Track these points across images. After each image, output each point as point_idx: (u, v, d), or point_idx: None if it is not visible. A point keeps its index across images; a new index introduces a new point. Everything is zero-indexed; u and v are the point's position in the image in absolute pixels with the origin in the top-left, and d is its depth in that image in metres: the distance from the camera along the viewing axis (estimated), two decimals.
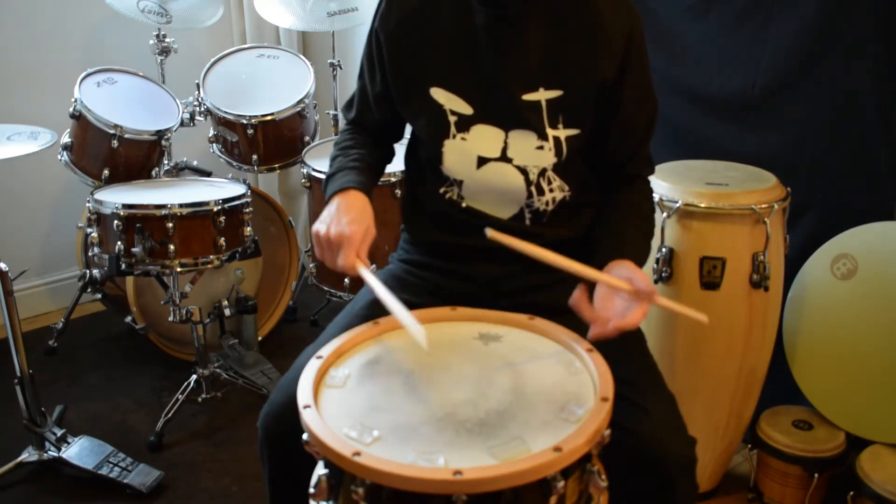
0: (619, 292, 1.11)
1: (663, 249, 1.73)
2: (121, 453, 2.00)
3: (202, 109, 2.52)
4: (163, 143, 2.35)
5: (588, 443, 0.91)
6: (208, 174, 2.56)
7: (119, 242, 1.99)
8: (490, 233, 1.08)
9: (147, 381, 2.47)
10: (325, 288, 2.47)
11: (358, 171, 1.31)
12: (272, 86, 2.60)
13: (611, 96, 1.25)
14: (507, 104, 1.25)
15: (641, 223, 1.30)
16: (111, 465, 1.96)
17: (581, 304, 1.10)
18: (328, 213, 1.24)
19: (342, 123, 1.50)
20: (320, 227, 1.21)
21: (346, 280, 2.37)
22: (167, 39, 2.57)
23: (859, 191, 1.88)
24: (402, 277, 1.38)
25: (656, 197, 1.70)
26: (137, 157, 2.32)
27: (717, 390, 1.80)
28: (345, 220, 1.21)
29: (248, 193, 2.18)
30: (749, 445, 1.91)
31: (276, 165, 2.60)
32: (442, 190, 1.34)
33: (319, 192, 2.36)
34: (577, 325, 1.17)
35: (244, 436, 2.19)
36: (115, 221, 1.98)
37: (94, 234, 2.06)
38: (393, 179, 2.27)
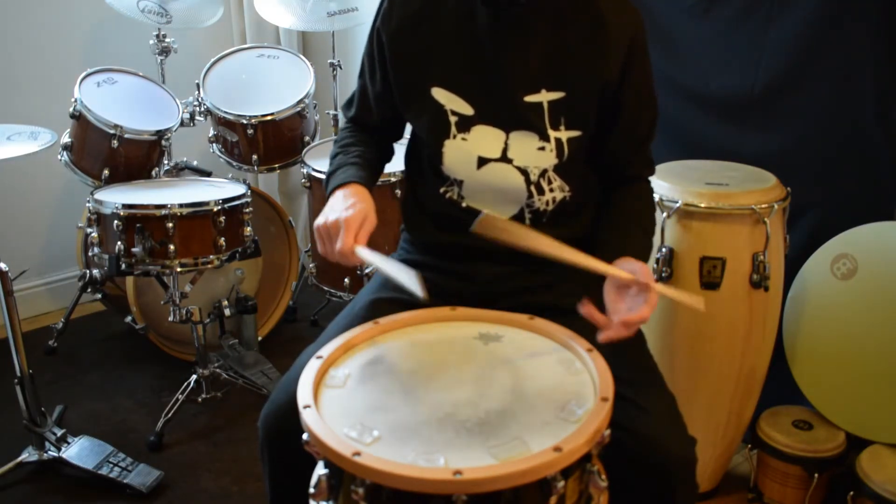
0: (625, 292, 1.11)
1: (663, 249, 1.73)
2: (121, 453, 2.00)
3: (202, 109, 2.52)
4: (163, 143, 2.35)
5: (588, 443, 0.91)
6: (208, 174, 2.56)
7: (119, 242, 1.99)
8: (477, 224, 1.07)
9: (147, 381, 2.47)
10: (325, 288, 2.47)
11: (358, 167, 1.31)
12: (272, 86, 2.60)
13: (613, 98, 1.25)
14: (509, 105, 1.25)
15: (642, 221, 1.31)
16: (111, 465, 1.96)
17: (593, 313, 1.10)
18: (328, 206, 1.23)
19: (342, 122, 1.50)
20: (319, 219, 1.20)
21: (346, 280, 2.37)
22: (167, 39, 2.57)
23: (859, 191, 1.88)
24: None
25: (656, 197, 1.70)
26: (137, 157, 2.32)
27: (717, 390, 1.80)
28: (342, 206, 1.20)
29: (248, 193, 2.18)
30: (749, 445, 1.91)
31: (276, 165, 2.60)
32: (442, 190, 1.34)
33: (319, 192, 2.37)
34: (577, 325, 1.17)
35: (244, 436, 2.19)
36: (115, 221, 1.98)
37: (94, 234, 2.06)
38: (393, 179, 2.27)
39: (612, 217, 1.31)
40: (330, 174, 1.33)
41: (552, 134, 1.25)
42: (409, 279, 1.08)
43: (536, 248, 1.09)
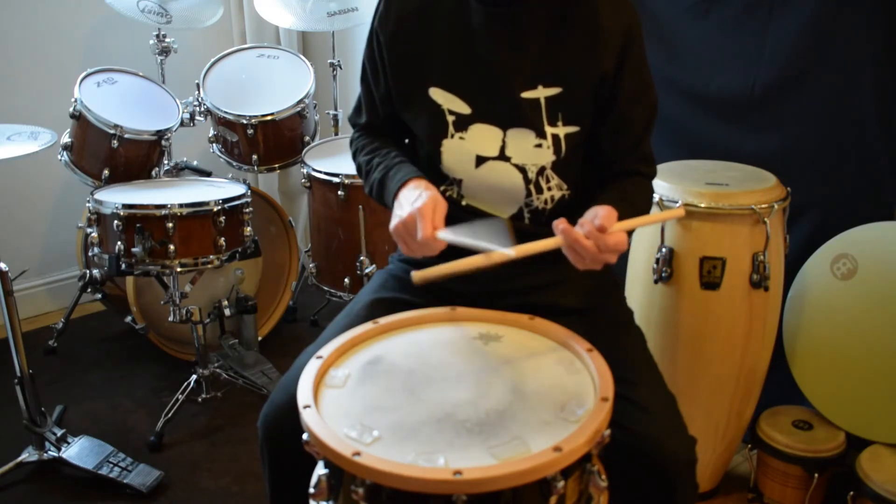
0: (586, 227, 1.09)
1: (663, 249, 1.73)
2: (121, 453, 2.00)
3: (202, 109, 2.52)
4: (163, 143, 2.35)
5: (588, 443, 0.91)
6: (208, 174, 2.56)
7: (119, 242, 1.99)
8: (416, 276, 1.08)
9: (147, 381, 2.47)
10: (325, 288, 2.47)
11: (408, 163, 1.29)
12: (272, 86, 2.60)
13: (609, 93, 1.25)
14: (506, 103, 1.25)
15: (624, 193, 1.26)
16: (111, 465, 1.96)
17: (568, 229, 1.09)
18: (396, 206, 1.20)
19: (353, 130, 1.46)
20: (393, 221, 1.17)
21: (346, 280, 2.37)
22: (167, 39, 2.58)
23: (859, 191, 1.88)
24: (403, 277, 1.38)
25: (656, 197, 1.70)
26: (137, 157, 2.32)
27: (717, 390, 1.80)
28: (409, 201, 1.17)
29: (248, 193, 2.18)
30: (749, 445, 1.91)
31: (276, 165, 2.60)
32: (442, 188, 1.34)
33: (319, 192, 2.36)
34: (577, 325, 1.17)
35: (244, 436, 2.19)
36: (115, 221, 1.98)
37: (94, 234, 2.06)
38: None
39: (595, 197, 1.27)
40: (380, 181, 1.30)
41: (549, 130, 1.25)
42: (503, 241, 1.08)
43: (475, 267, 1.10)
